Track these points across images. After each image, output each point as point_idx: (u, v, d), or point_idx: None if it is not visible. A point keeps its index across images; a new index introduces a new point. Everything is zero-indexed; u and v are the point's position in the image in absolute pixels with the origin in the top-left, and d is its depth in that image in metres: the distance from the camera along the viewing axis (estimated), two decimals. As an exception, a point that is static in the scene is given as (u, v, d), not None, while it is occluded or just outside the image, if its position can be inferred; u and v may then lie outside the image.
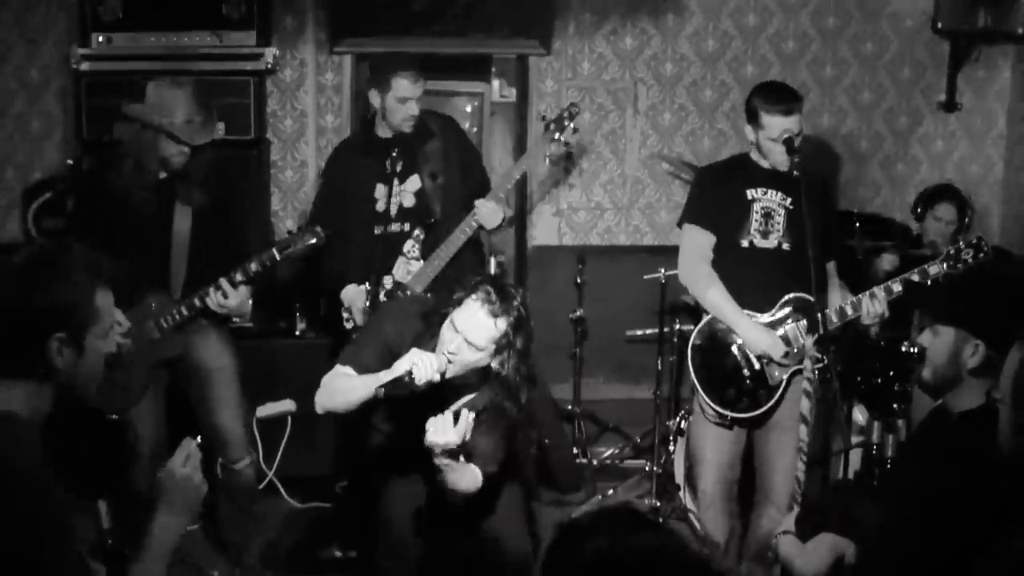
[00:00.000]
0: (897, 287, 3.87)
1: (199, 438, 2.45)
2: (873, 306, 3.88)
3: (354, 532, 4.27)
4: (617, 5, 5.74)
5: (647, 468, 5.02)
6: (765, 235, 3.96)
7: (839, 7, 5.90)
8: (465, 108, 6.15)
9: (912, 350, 4.10)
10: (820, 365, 3.73)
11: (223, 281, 3.95)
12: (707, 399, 3.97)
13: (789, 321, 3.92)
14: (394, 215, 4.42)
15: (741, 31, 5.86)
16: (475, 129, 6.13)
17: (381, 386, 3.11)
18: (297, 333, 5.15)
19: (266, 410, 4.69)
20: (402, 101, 4.34)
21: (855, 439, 4.42)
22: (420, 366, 3.05)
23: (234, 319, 4.28)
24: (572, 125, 4.65)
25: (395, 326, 3.36)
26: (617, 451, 5.40)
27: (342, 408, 3.27)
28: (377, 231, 4.42)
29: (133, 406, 4.06)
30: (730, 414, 3.95)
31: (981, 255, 3.81)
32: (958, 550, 2.47)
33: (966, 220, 5.12)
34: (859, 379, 4.42)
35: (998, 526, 2.33)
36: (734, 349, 3.95)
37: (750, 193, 3.97)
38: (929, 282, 3.85)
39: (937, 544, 2.56)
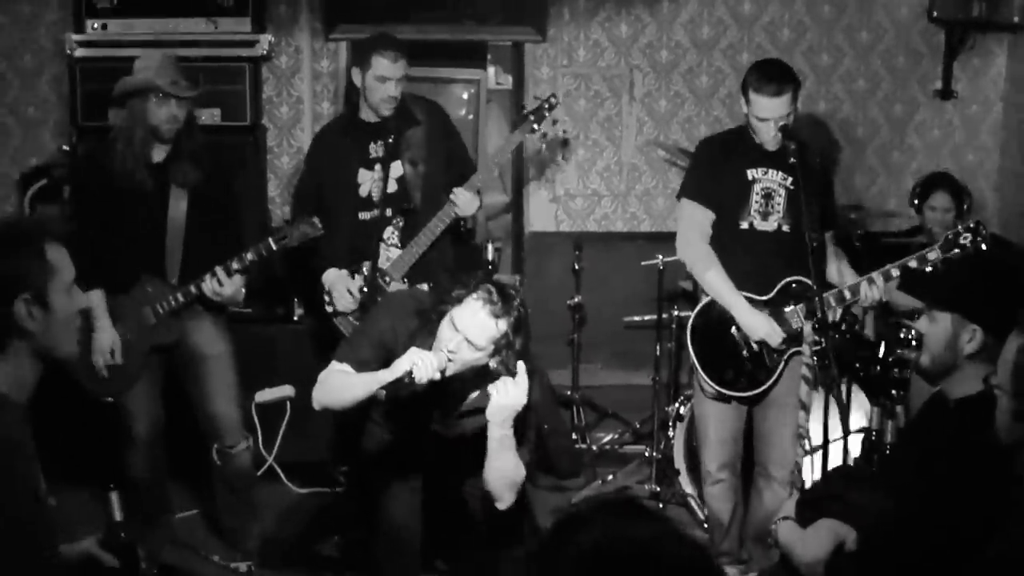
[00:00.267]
0: (895, 272, 3.87)
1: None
2: (871, 292, 3.88)
3: (354, 518, 4.26)
4: (612, -8, 5.74)
5: (646, 454, 5.02)
6: (765, 216, 3.95)
7: (834, -5, 5.90)
8: (461, 95, 6.12)
9: (910, 336, 4.10)
10: (818, 348, 3.73)
11: (219, 269, 3.96)
12: (706, 378, 3.97)
13: (788, 305, 3.92)
14: (377, 200, 4.39)
15: (736, 19, 5.85)
16: (471, 116, 6.10)
17: (382, 387, 3.11)
18: (295, 319, 5.14)
19: (265, 396, 4.69)
20: (381, 80, 4.26)
21: (854, 425, 4.42)
22: (421, 366, 3.04)
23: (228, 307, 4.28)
24: (551, 116, 4.64)
25: (391, 322, 3.35)
26: (616, 437, 5.39)
27: (340, 406, 3.27)
28: (362, 216, 4.40)
29: (129, 390, 4.09)
30: (729, 393, 3.97)
31: (979, 238, 3.80)
32: (958, 536, 2.48)
33: (964, 207, 5.11)
34: (857, 365, 4.43)
35: (997, 513, 2.33)
36: (733, 331, 3.95)
37: (750, 173, 3.95)
38: (928, 268, 3.85)
39: (936, 530, 2.57)
